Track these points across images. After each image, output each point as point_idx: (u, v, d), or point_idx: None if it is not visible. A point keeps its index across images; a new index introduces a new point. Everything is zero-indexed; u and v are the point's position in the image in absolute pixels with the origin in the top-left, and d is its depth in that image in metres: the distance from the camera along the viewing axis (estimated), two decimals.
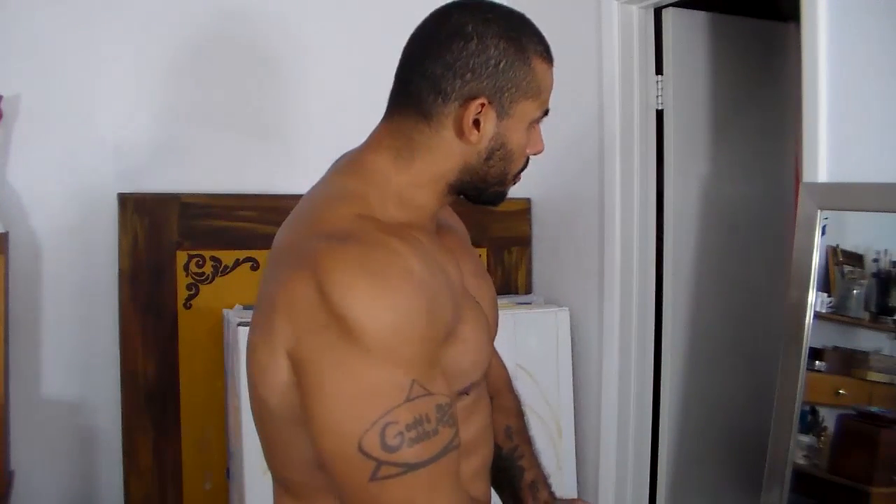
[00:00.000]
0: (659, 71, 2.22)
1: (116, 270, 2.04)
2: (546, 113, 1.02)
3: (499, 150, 0.98)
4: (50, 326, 2.04)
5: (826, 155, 1.62)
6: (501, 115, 0.96)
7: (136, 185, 2.08)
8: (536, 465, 1.23)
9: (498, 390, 1.25)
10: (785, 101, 2.37)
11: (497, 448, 1.19)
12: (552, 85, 1.01)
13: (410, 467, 0.80)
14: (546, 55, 0.98)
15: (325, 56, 2.29)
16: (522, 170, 1.04)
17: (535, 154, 1.03)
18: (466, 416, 0.99)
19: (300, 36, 2.27)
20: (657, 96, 2.22)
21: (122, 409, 2.04)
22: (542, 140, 1.03)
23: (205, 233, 2.10)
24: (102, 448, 2.08)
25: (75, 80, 2.04)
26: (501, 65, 0.94)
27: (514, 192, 1.08)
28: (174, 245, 2.09)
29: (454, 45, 0.94)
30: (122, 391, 2.04)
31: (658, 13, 2.22)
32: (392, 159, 0.98)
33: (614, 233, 2.18)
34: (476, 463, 1.03)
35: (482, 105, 0.94)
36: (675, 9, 2.22)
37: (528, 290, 2.49)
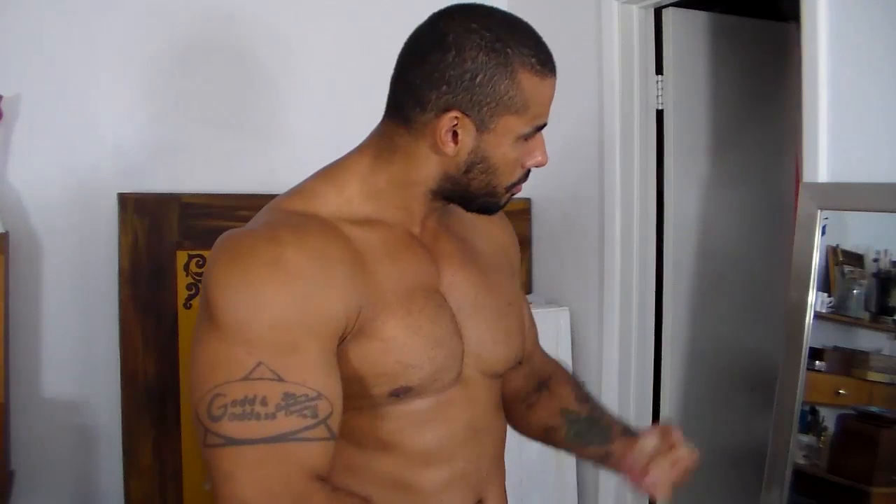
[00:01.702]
0: (659, 71, 2.22)
1: (116, 270, 2.04)
2: (541, 127, 0.99)
3: (479, 164, 0.96)
4: (50, 326, 2.04)
5: (826, 155, 1.62)
6: (481, 128, 0.94)
7: (136, 185, 2.08)
8: (608, 416, 1.22)
9: (552, 373, 1.25)
10: (785, 102, 2.37)
11: (570, 412, 1.21)
12: (550, 97, 0.98)
13: (231, 441, 0.83)
14: (540, 67, 0.94)
15: (326, 57, 2.29)
16: (520, 182, 1.02)
17: (535, 166, 1.01)
18: (417, 423, 0.98)
19: (301, 37, 2.27)
20: (657, 96, 2.22)
21: (122, 408, 2.04)
22: (543, 152, 1.01)
23: (205, 232, 2.10)
24: (102, 448, 2.08)
25: (75, 80, 2.04)
26: (479, 78, 0.92)
27: (523, 191, 1.07)
28: (174, 245, 2.08)
29: (433, 55, 0.93)
30: (122, 391, 2.04)
31: (658, 13, 2.22)
32: (371, 160, 1.00)
33: (614, 233, 2.18)
34: (446, 474, 1.01)
35: (456, 118, 0.93)
36: (675, 9, 2.22)
37: (529, 290, 2.49)
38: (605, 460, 1.20)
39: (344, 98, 2.24)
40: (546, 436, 1.24)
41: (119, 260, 2.04)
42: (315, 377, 0.87)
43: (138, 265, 2.05)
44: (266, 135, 2.24)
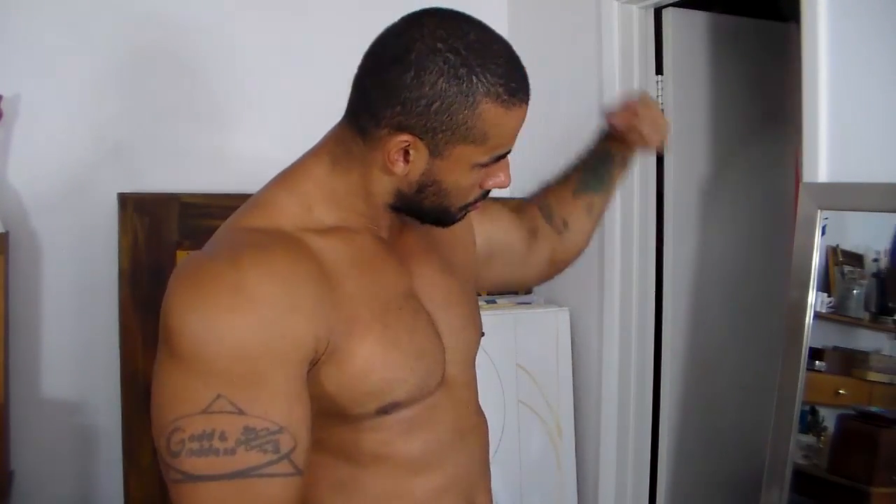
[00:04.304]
0: (659, 71, 2.22)
1: (116, 270, 2.04)
2: (503, 155, 0.94)
3: (431, 186, 0.93)
4: (50, 326, 2.04)
5: (826, 155, 1.62)
6: (434, 153, 0.90)
7: (135, 184, 2.08)
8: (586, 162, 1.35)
9: (518, 212, 1.30)
10: (785, 102, 2.37)
11: (567, 186, 1.33)
12: (515, 127, 0.92)
13: (190, 477, 0.79)
14: (507, 97, 0.88)
15: (327, 57, 2.29)
16: (477, 201, 0.99)
17: (496, 188, 0.98)
18: (405, 431, 0.96)
19: (304, 36, 2.27)
20: (657, 96, 2.21)
21: (122, 408, 2.04)
22: (506, 175, 0.97)
23: (204, 232, 2.07)
24: (102, 448, 2.08)
25: (75, 80, 2.04)
26: (435, 106, 0.86)
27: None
28: (174, 245, 2.08)
29: (393, 70, 0.87)
30: (122, 391, 2.04)
31: (658, 13, 2.22)
32: (329, 165, 0.96)
33: (614, 233, 2.18)
34: (437, 482, 0.99)
35: (407, 142, 0.89)
36: (675, 9, 2.22)
37: (528, 290, 2.49)
38: (615, 163, 1.35)
39: (344, 98, 2.24)
40: (585, 211, 1.33)
41: (119, 260, 2.04)
42: (278, 410, 0.82)
43: (138, 265, 2.05)
44: (266, 135, 2.24)
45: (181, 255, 2.09)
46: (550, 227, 1.28)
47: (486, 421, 1.11)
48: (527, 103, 0.92)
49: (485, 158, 0.92)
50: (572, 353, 2.31)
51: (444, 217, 0.98)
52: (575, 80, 2.24)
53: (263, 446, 0.80)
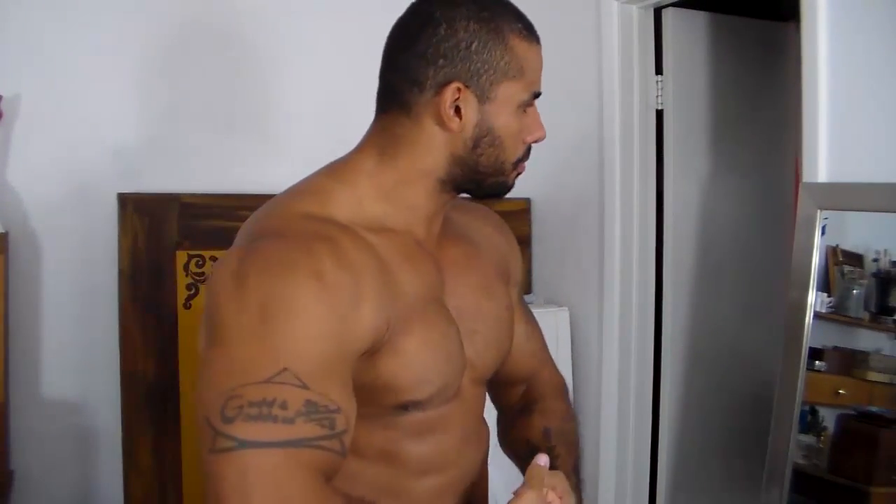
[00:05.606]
0: (659, 71, 2.22)
1: (116, 270, 2.04)
2: (537, 95, 0.98)
3: (485, 137, 0.95)
4: (50, 326, 2.04)
5: (826, 155, 1.63)
6: (482, 99, 0.94)
7: (135, 185, 2.08)
8: (570, 471, 1.17)
9: (542, 395, 1.23)
10: (785, 101, 2.37)
11: (534, 449, 1.18)
12: (540, 64, 0.98)
13: (242, 443, 0.77)
14: (527, 33, 0.96)
15: (326, 57, 2.29)
16: (523, 159, 1.01)
17: (535, 141, 1.00)
18: (415, 433, 0.98)
19: (304, 36, 2.27)
20: (657, 96, 2.22)
21: (122, 409, 2.04)
22: (541, 125, 1.00)
23: (205, 233, 2.10)
24: (102, 448, 2.08)
25: (75, 80, 2.04)
26: (473, 46, 0.92)
27: (514, 192, 1.06)
28: (174, 245, 2.08)
29: (424, 33, 0.93)
30: (122, 391, 2.04)
31: (658, 13, 2.22)
32: (377, 157, 0.98)
33: (614, 233, 2.18)
34: (439, 482, 1.01)
35: (458, 90, 0.93)
36: (675, 9, 2.22)
37: (528, 290, 2.50)
38: None
39: (344, 98, 2.23)
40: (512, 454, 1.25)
41: (119, 260, 2.04)
42: (338, 392, 0.83)
43: (138, 265, 2.05)
44: (267, 135, 2.24)
45: (181, 256, 2.09)
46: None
47: (488, 428, 1.13)
48: (541, 45, 0.98)
49: (525, 95, 0.96)
50: (572, 352, 2.31)
51: (500, 178, 1.00)
52: (575, 80, 2.24)
53: (322, 421, 0.81)
